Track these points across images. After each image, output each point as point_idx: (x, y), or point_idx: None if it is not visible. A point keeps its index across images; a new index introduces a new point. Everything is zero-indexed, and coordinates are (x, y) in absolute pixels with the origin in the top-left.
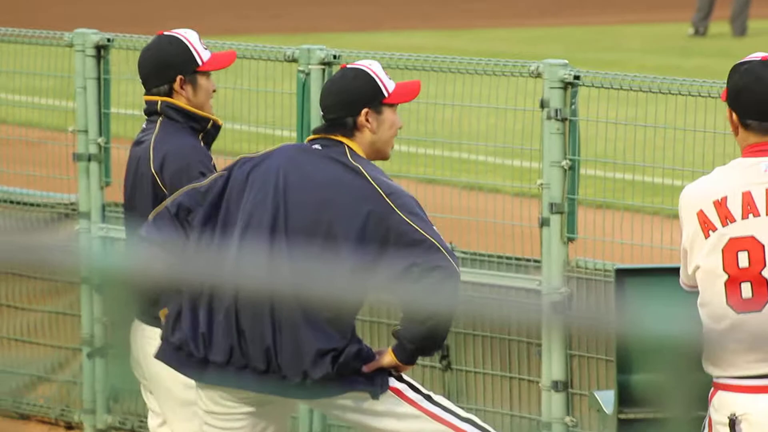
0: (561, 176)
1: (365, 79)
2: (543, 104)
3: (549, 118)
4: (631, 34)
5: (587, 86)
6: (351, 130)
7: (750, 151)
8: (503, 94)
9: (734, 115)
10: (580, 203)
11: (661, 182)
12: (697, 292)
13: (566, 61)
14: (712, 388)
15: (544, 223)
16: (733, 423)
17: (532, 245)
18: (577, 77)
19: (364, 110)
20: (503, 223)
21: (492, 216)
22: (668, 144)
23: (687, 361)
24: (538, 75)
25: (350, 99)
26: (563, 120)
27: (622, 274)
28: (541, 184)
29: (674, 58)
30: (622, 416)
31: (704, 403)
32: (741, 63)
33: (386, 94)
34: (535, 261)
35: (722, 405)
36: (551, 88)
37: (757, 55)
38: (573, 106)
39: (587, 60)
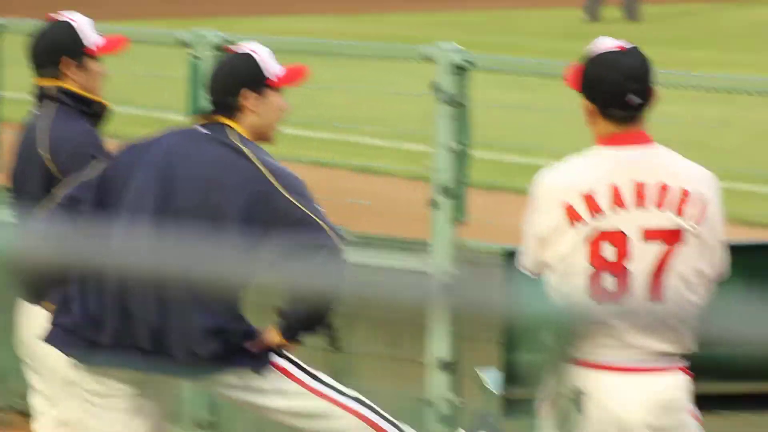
0: (451, 160)
1: (248, 61)
2: (435, 88)
3: (440, 102)
4: (525, 18)
5: (479, 70)
6: (234, 112)
7: (611, 141)
8: (396, 78)
9: (592, 105)
10: (471, 186)
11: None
12: (540, 278)
13: (458, 46)
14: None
15: (434, 205)
16: (577, 397)
17: (423, 228)
18: (468, 61)
19: (246, 91)
20: (394, 206)
21: (383, 199)
22: (560, 127)
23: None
24: (430, 59)
25: (232, 81)
26: (454, 104)
27: (511, 255)
28: (432, 168)
29: (567, 43)
30: (508, 395)
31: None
32: (597, 52)
33: (270, 77)
34: (425, 243)
35: (565, 379)
36: (443, 72)
37: (608, 41)
38: (464, 90)
39: (483, 44)
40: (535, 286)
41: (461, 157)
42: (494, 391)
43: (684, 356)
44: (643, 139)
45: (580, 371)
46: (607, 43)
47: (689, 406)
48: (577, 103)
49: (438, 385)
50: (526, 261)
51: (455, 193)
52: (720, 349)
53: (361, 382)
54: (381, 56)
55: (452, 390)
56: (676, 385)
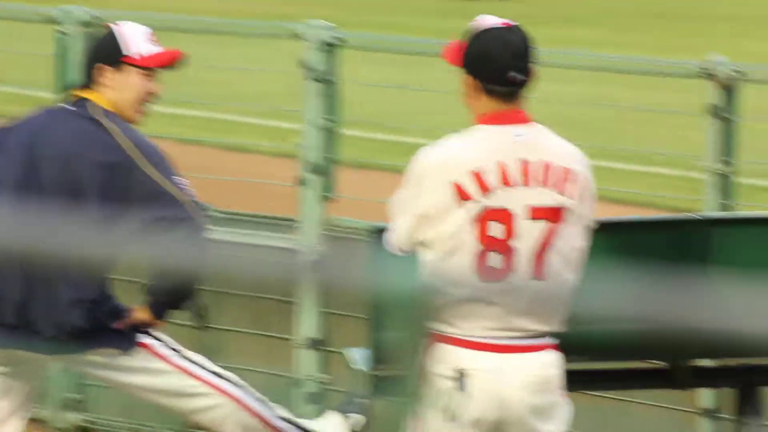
0: (320, 137)
1: (107, 36)
2: (303, 66)
3: (310, 79)
4: None
5: (349, 48)
6: (93, 86)
7: (493, 119)
8: (269, 56)
9: (474, 81)
10: (340, 164)
11: (420, 142)
12: (409, 256)
13: (328, 23)
14: (430, 338)
15: (302, 182)
16: (459, 376)
17: (292, 205)
18: (338, 38)
19: (101, 66)
20: (262, 183)
21: (252, 176)
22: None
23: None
24: (301, 37)
25: (89, 55)
26: (324, 81)
27: (379, 232)
28: (301, 145)
29: (440, 20)
30: (376, 373)
31: None
32: (481, 29)
33: (129, 54)
34: (294, 221)
35: (446, 358)
36: (313, 49)
37: (492, 19)
38: (334, 68)
39: (359, 23)
40: (402, 263)
41: (330, 135)
42: (362, 369)
43: (555, 334)
44: (523, 118)
45: (459, 351)
46: (490, 21)
47: (561, 383)
48: (447, 81)
49: (306, 364)
50: (399, 239)
51: (324, 171)
52: (584, 326)
53: (230, 360)
54: (252, 34)
55: (320, 369)
56: (551, 364)
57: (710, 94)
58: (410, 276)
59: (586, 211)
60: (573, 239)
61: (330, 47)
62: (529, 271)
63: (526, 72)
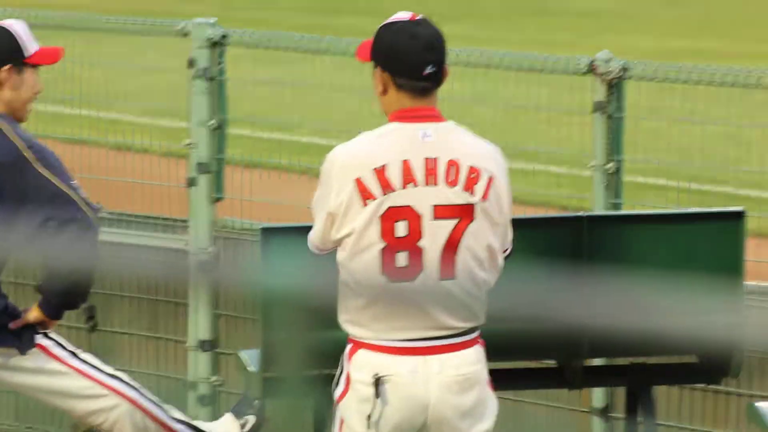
0: (208, 136)
1: (6, 36)
2: (190, 64)
3: (196, 77)
4: None
5: (235, 45)
6: None
7: (404, 116)
8: (152, 53)
9: (386, 75)
10: (228, 163)
11: (310, 141)
12: (327, 254)
13: (214, 20)
14: (351, 346)
15: (191, 183)
16: (377, 383)
17: (181, 205)
18: (224, 36)
19: (6, 67)
20: (151, 184)
21: (140, 176)
22: (317, 104)
23: (320, 318)
24: (186, 34)
25: None
26: (211, 79)
27: (268, 233)
28: (189, 144)
29: (325, 18)
30: (267, 375)
31: (334, 361)
32: (392, 22)
33: (27, 54)
34: (183, 221)
35: (365, 364)
36: (198, 47)
37: (406, 14)
38: (220, 66)
39: (239, 19)
40: (292, 262)
41: (218, 134)
42: (254, 371)
43: (478, 327)
44: (434, 115)
45: (377, 356)
46: (402, 15)
47: (486, 377)
48: (335, 78)
49: (198, 365)
50: (315, 238)
51: (212, 170)
52: (505, 324)
53: (122, 363)
54: (137, 31)
55: (213, 371)
56: (473, 359)
57: (595, 90)
58: (300, 276)
59: (497, 209)
60: (482, 237)
61: (216, 45)
62: (438, 270)
63: (439, 66)
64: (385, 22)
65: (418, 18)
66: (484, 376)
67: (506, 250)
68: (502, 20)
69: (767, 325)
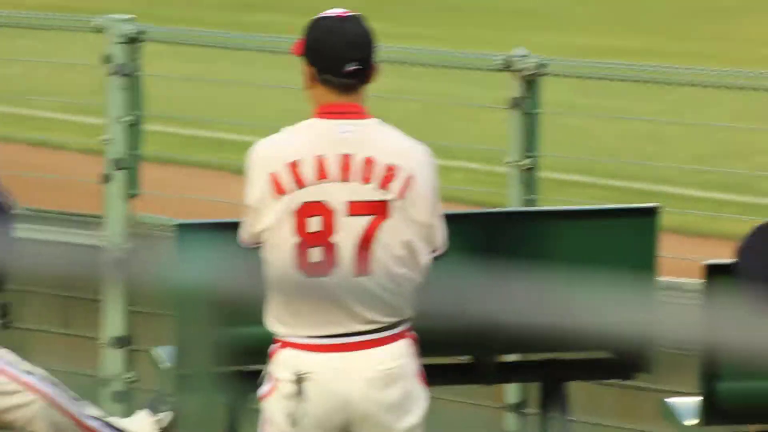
0: (124, 132)
1: None
2: (106, 60)
3: (112, 73)
4: None
5: (152, 41)
6: None
7: (325, 112)
8: (70, 49)
9: (311, 70)
10: (144, 159)
11: (226, 138)
12: (257, 249)
13: (131, 16)
14: (275, 344)
15: (107, 179)
16: (299, 380)
17: (97, 202)
18: (141, 32)
19: None
20: (67, 179)
21: (56, 172)
22: (235, 99)
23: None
24: (100, 30)
25: None
26: (127, 76)
27: (183, 229)
28: (105, 140)
29: (240, 14)
30: (181, 371)
31: (257, 358)
32: (321, 17)
33: None
34: (99, 217)
35: (287, 362)
36: (115, 43)
37: (337, 11)
38: (137, 62)
39: (162, 16)
40: (207, 258)
41: (134, 130)
42: (167, 367)
43: (404, 322)
44: (357, 112)
45: (298, 354)
46: (332, 11)
47: (415, 370)
48: (253, 75)
49: (112, 362)
50: (242, 233)
51: (128, 167)
52: (419, 321)
53: (35, 360)
54: (53, 27)
55: (127, 367)
56: (398, 354)
57: (512, 87)
58: (214, 272)
59: (420, 207)
60: (399, 235)
61: (132, 41)
62: (353, 266)
63: (364, 63)
64: (315, 17)
65: (346, 15)
66: (411, 370)
67: (436, 249)
68: (420, 17)
69: (681, 321)
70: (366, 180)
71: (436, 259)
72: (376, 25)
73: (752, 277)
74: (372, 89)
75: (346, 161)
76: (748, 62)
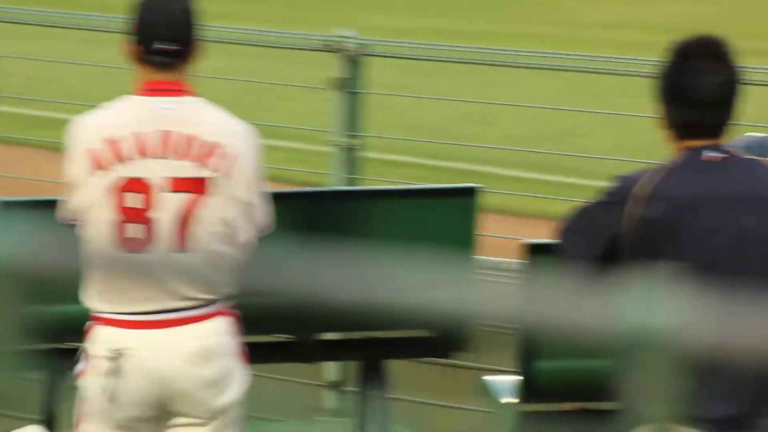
0: None
1: None
2: None
3: None
4: None
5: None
6: None
7: (146, 89)
8: None
9: (132, 47)
10: None
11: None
12: (76, 225)
13: None
14: (91, 321)
15: None
16: (115, 357)
17: None
18: None
19: None
20: None
21: None
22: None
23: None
24: None
25: None
26: None
27: (3, 206)
28: None
29: None
30: None
31: (74, 335)
32: None
33: None
34: None
35: (104, 339)
36: None
37: None
38: None
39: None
40: (26, 236)
41: None
42: None
43: (223, 300)
44: (179, 90)
45: (115, 331)
46: None
47: (234, 348)
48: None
49: None
50: (62, 209)
51: None
52: (240, 299)
53: None
54: None
55: None
56: (217, 331)
57: (335, 67)
58: (29, 248)
59: (242, 186)
60: (219, 211)
61: None
62: (171, 242)
63: (180, 42)
64: None
65: None
66: (231, 347)
67: (259, 228)
68: None
69: (499, 300)
70: (186, 157)
71: (259, 237)
72: (206, 4)
73: (573, 257)
74: (197, 68)
75: (166, 138)
76: (571, 45)
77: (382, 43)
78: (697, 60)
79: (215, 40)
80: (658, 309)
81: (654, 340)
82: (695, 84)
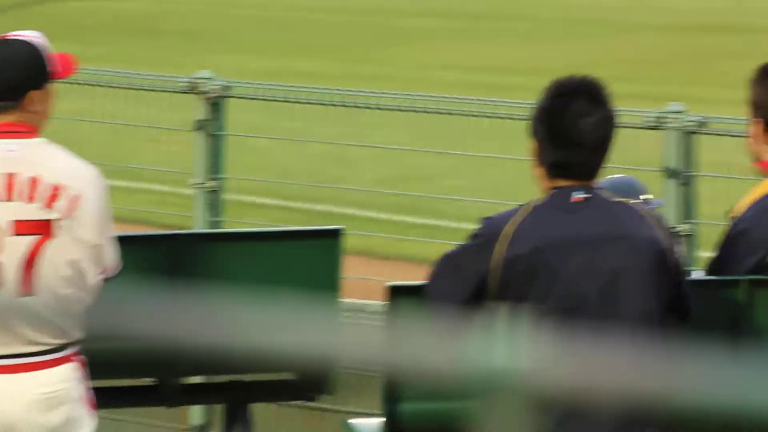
0: None
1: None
2: None
3: None
4: None
5: None
6: None
7: None
8: None
9: None
10: None
11: None
12: None
13: None
14: None
15: None
16: None
17: None
18: None
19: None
20: None
21: None
22: None
23: None
24: None
25: None
26: None
27: None
28: None
29: None
30: None
31: None
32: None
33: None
34: None
35: None
36: None
37: (15, 33)
38: None
39: None
40: None
41: None
42: None
43: (72, 345)
44: (22, 131)
45: None
46: (15, 33)
47: (81, 394)
48: None
49: None
50: None
51: None
52: (102, 342)
53: None
54: None
55: None
56: (63, 377)
57: (197, 109)
58: None
59: (89, 229)
60: (65, 255)
61: None
62: (17, 286)
63: (12, 84)
64: None
65: (8, 37)
66: (78, 393)
67: (106, 270)
68: (106, 37)
69: (363, 342)
70: (30, 199)
71: (106, 280)
72: (63, 46)
73: (441, 300)
74: (58, 110)
75: (9, 180)
76: (421, 85)
77: (243, 84)
78: (576, 101)
79: (82, 82)
80: (514, 351)
81: (508, 382)
82: (574, 125)
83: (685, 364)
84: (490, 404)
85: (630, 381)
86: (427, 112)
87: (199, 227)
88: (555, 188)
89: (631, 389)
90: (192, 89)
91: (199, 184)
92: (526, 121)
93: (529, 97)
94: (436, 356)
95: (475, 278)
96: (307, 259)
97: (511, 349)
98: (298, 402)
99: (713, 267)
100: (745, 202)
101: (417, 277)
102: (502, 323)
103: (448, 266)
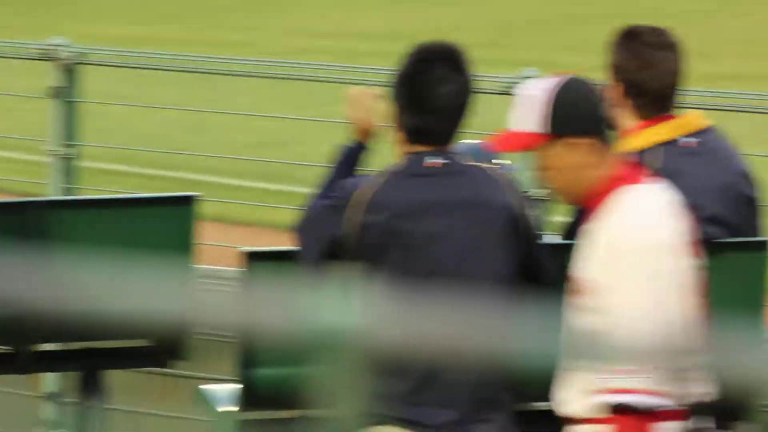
0: None
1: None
2: None
3: None
4: None
5: None
6: None
7: None
8: None
9: None
10: None
11: None
12: None
13: None
14: None
15: None
16: None
17: None
18: None
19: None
20: None
21: None
22: None
23: None
24: None
25: None
26: None
27: None
28: None
29: None
30: None
31: None
32: None
33: None
34: None
35: None
36: None
37: None
38: None
39: None
40: None
41: None
42: None
43: None
44: None
45: None
46: None
47: None
48: None
49: None
50: None
51: None
52: None
53: None
54: None
55: None
56: None
57: (51, 76)
58: None
59: None
60: None
61: None
62: None
63: None
64: None
65: None
66: None
67: None
68: None
69: (217, 307)
70: None
71: None
72: None
73: (304, 257)
74: None
75: None
76: (279, 52)
77: (97, 51)
78: (435, 67)
79: None
80: (354, 311)
81: (344, 341)
82: (432, 91)
83: (522, 326)
84: (328, 365)
85: (468, 341)
86: (277, 78)
87: (54, 195)
88: (411, 153)
89: (470, 349)
90: (46, 56)
91: (54, 151)
92: (383, 87)
93: (386, 63)
94: (283, 316)
95: (327, 238)
96: (161, 225)
97: (350, 309)
98: (154, 368)
99: (568, 231)
100: None
101: (272, 243)
102: (351, 284)
103: (306, 223)
